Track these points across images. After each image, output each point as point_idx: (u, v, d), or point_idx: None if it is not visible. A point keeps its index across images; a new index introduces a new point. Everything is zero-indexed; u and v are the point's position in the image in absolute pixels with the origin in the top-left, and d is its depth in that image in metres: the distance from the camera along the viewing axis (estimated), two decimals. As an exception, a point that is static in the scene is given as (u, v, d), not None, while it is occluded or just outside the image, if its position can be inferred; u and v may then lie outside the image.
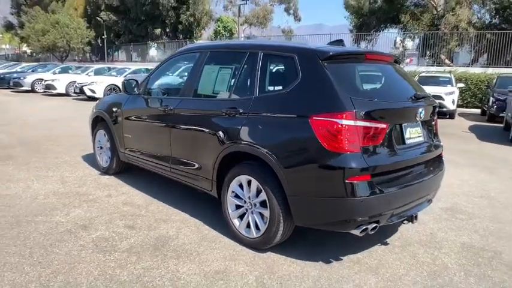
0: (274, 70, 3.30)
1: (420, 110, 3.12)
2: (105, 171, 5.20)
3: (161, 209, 4.00)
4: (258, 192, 3.08)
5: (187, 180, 3.87)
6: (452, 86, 13.46)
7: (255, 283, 2.69)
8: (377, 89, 3.37)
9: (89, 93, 15.39)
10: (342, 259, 3.08)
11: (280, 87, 3.11)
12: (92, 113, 5.44)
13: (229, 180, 3.30)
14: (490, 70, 18.02)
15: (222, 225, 3.51)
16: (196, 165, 3.64)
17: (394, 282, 2.78)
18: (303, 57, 2.97)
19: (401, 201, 2.94)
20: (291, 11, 33.66)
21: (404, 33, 23.94)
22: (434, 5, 23.23)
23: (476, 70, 18.63)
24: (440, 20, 21.80)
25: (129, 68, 17.67)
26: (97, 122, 5.33)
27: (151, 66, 21.31)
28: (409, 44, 24.83)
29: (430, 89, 12.15)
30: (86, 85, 15.58)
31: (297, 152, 2.83)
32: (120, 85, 15.14)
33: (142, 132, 4.40)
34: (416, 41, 24.24)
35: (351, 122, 2.65)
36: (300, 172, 2.79)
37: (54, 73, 20.30)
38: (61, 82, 17.87)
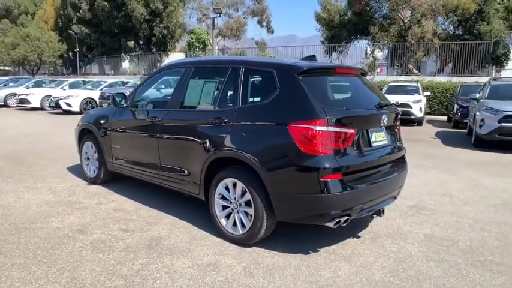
0: (255, 83, 3.67)
1: (384, 116, 3.57)
2: (93, 181, 5.41)
3: (151, 214, 4.28)
4: (243, 193, 3.43)
5: (175, 186, 4.17)
6: (419, 94, 14.26)
7: (243, 272, 3.02)
8: (346, 99, 3.79)
9: (64, 107, 15.37)
10: (319, 250, 3.45)
11: (261, 99, 3.49)
12: (78, 126, 5.66)
13: (216, 183, 3.63)
14: (455, 79, 19.11)
15: (209, 225, 3.83)
16: (185, 171, 3.95)
17: (365, 267, 3.17)
18: (281, 71, 3.37)
19: (370, 196, 3.35)
20: (264, 23, 34.48)
21: (373, 44, 24.98)
22: (402, 17, 24.45)
23: (442, 79, 19.72)
24: (408, 32, 22.96)
25: (105, 81, 17.72)
26: (83, 135, 5.55)
27: (125, 79, 21.34)
28: (379, 54, 25.91)
29: (398, 98, 12.93)
30: (61, 99, 15.56)
31: (278, 156, 3.20)
32: (96, 98, 15.26)
33: (131, 142, 4.67)
34: (386, 51, 25.35)
35: (324, 128, 3.05)
36: (281, 173, 3.16)
37: (27, 87, 20.06)
38: (35, 96, 17.72)
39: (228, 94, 3.72)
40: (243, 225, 3.46)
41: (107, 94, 14.15)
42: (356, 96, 3.75)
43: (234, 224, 3.54)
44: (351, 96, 3.74)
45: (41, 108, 17.63)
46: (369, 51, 26.87)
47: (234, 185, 3.49)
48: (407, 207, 4.71)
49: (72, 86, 18.31)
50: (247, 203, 3.41)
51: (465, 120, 12.31)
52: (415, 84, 15.67)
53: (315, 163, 3.03)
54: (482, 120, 9.16)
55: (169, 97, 4.39)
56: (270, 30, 34.60)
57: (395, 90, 14.48)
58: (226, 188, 3.57)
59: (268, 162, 3.20)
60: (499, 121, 8.86)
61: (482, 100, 10.00)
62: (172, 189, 4.27)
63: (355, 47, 27.02)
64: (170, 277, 2.92)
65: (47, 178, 5.70)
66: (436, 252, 3.51)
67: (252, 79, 3.63)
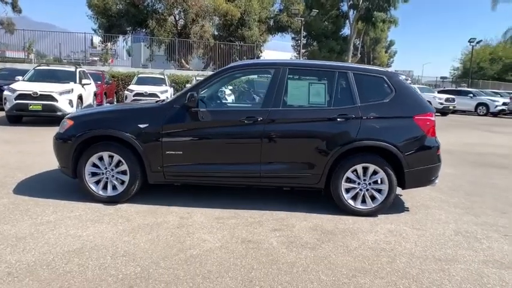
0: (367, 85, 4.42)
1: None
2: (114, 200, 4.40)
3: (277, 215, 4.27)
4: (374, 173, 4.28)
5: (281, 181, 4.42)
6: (166, 85, 15.93)
7: (412, 230, 4.01)
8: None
9: None
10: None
11: (378, 98, 4.38)
12: (73, 136, 4.40)
13: (344, 170, 4.26)
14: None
15: (328, 209, 4.43)
16: (301, 165, 4.28)
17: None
18: (391, 77, 4.41)
19: None
20: (9, 0, 27.65)
21: (151, 38, 25.48)
22: (173, 15, 26.11)
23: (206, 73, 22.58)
24: (185, 29, 24.89)
25: None
26: (85, 145, 4.40)
27: None
28: (156, 48, 26.51)
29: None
30: None
31: (410, 140, 4.29)
32: None
33: (211, 144, 4.32)
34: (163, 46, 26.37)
35: (434, 118, 4.39)
36: (414, 152, 4.26)
37: None
38: None
39: (344, 95, 4.36)
40: (372, 199, 4.32)
41: None
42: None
43: (363, 201, 4.33)
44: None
45: None
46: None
47: (364, 168, 4.28)
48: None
49: None
50: (376, 182, 4.30)
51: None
52: (163, 77, 16.95)
53: (435, 142, 4.38)
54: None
55: (263, 96, 4.43)
56: (16, 8, 28.20)
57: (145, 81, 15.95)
58: (353, 172, 4.29)
59: (404, 146, 4.23)
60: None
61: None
62: (274, 186, 4.46)
63: (135, 38, 26.75)
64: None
65: (31, 210, 4.12)
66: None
67: (364, 82, 4.42)
